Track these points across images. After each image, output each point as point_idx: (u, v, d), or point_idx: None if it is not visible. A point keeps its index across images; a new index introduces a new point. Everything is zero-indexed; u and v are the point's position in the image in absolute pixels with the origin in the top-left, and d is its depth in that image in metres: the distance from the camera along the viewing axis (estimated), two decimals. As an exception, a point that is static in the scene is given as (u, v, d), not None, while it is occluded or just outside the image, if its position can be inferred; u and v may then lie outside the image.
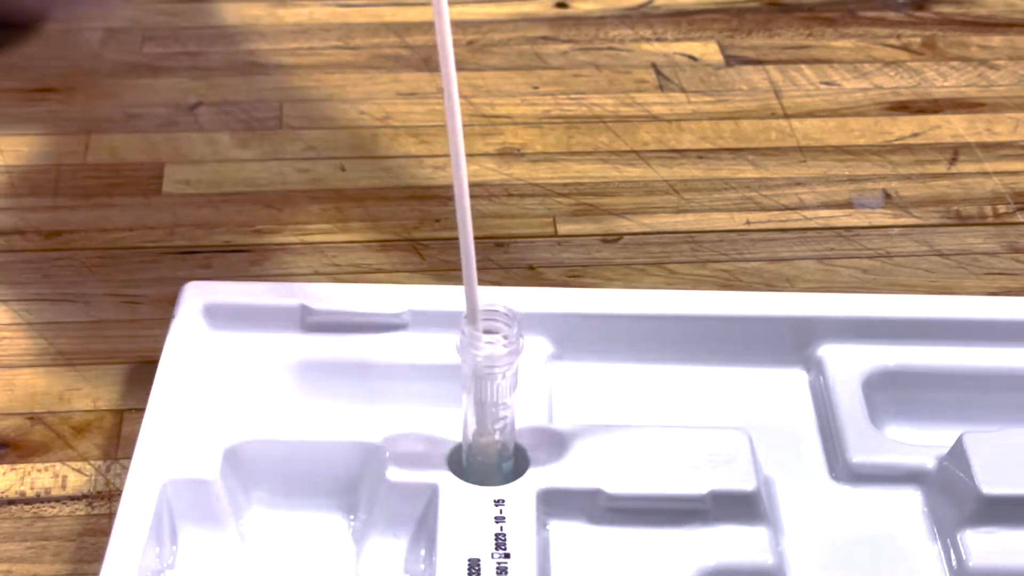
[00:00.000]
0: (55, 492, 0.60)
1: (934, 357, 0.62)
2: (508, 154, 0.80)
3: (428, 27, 0.90)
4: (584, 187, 0.77)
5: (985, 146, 0.81)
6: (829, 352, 0.62)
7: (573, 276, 0.71)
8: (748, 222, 0.75)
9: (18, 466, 0.61)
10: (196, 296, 0.61)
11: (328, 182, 0.77)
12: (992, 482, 0.55)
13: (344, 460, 0.56)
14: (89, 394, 0.64)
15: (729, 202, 0.76)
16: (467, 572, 0.51)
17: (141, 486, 0.54)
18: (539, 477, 0.55)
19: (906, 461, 0.58)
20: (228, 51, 0.88)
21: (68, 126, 0.81)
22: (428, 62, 0.87)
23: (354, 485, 0.56)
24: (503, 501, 0.54)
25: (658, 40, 0.90)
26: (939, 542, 0.56)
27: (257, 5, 0.93)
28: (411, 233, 0.74)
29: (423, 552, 0.54)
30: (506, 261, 0.72)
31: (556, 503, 0.54)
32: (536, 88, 0.85)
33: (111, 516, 0.57)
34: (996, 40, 0.91)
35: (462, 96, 0.83)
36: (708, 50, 0.89)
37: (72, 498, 0.60)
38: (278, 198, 0.76)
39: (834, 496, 0.58)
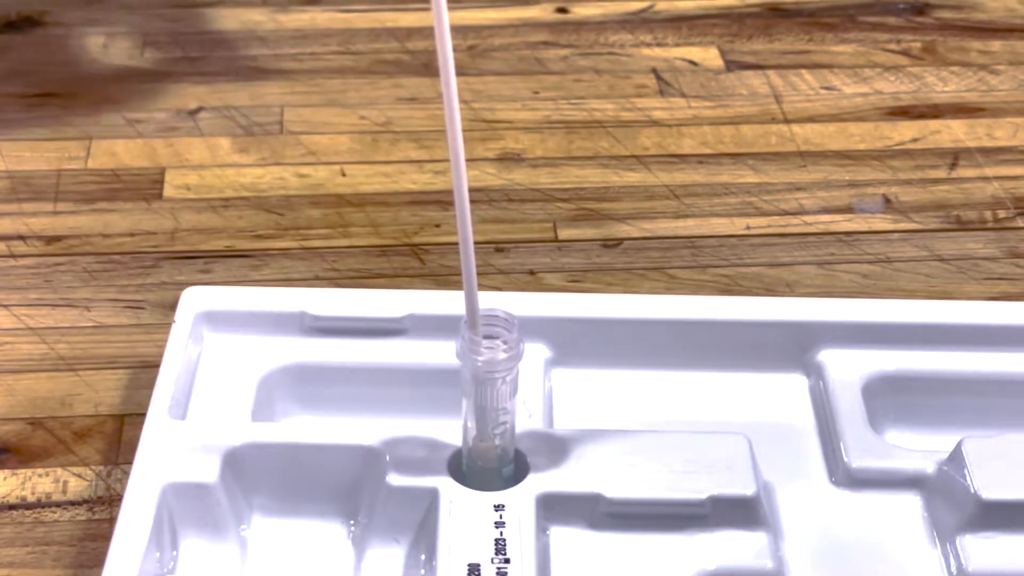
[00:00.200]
0: (56, 497, 0.60)
1: (934, 362, 0.62)
2: (508, 159, 0.80)
3: (428, 32, 0.90)
4: (584, 192, 0.77)
5: (985, 151, 0.81)
6: (829, 357, 0.62)
7: (573, 281, 0.72)
8: (748, 227, 0.75)
9: (19, 471, 0.61)
10: (197, 301, 0.61)
11: (328, 187, 0.77)
12: (991, 487, 0.55)
13: (344, 465, 0.56)
14: (90, 399, 0.64)
15: (729, 207, 0.77)
16: (467, 577, 0.51)
17: (142, 491, 0.54)
18: (539, 482, 0.55)
19: (906, 466, 0.58)
20: (229, 56, 0.88)
21: (69, 131, 0.81)
22: (428, 67, 0.87)
23: (354, 490, 0.56)
24: (503, 506, 0.54)
25: (658, 45, 0.90)
26: (938, 547, 0.56)
27: (258, 10, 0.93)
28: (411, 238, 0.74)
29: (423, 557, 0.54)
30: (506, 266, 0.72)
31: (556, 508, 0.54)
32: (536, 93, 0.85)
33: (112, 521, 0.58)
34: (996, 45, 0.91)
35: (462, 101, 0.84)
36: (708, 55, 0.89)
37: (73, 503, 0.60)
38: (279, 203, 0.76)
39: (834, 501, 0.58)
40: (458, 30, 0.90)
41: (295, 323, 0.61)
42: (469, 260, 0.50)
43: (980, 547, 0.54)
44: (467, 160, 0.52)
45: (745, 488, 0.55)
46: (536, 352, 0.61)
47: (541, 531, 0.54)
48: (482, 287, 0.52)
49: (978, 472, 0.55)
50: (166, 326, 0.62)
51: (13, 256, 0.72)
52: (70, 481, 0.61)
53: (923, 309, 0.63)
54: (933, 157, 0.81)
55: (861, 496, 0.58)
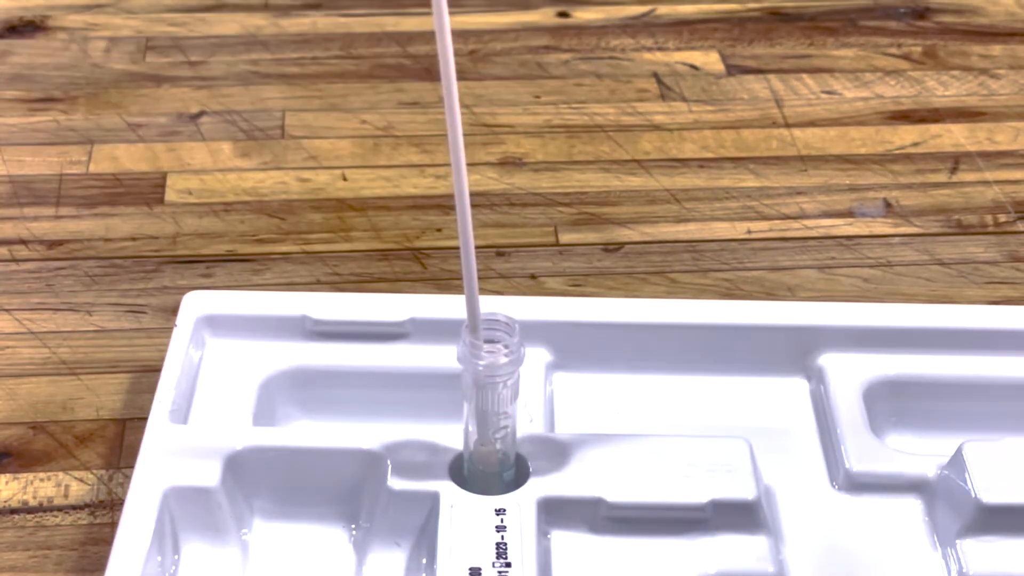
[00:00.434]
0: (57, 501, 0.60)
1: (935, 366, 0.62)
2: (509, 163, 0.80)
3: (430, 36, 0.90)
4: (585, 196, 0.77)
5: (986, 155, 0.81)
6: (830, 361, 0.62)
7: (574, 285, 0.72)
8: (749, 231, 0.75)
9: (21, 475, 0.61)
10: (198, 305, 0.61)
11: (330, 191, 0.78)
12: (992, 491, 0.55)
13: (345, 469, 0.56)
14: (92, 403, 0.64)
15: (730, 211, 0.77)
16: (468, 581, 0.51)
17: (143, 495, 0.54)
18: (540, 486, 0.55)
19: (906, 470, 0.58)
20: (230, 61, 0.88)
21: (71, 136, 0.81)
22: (430, 71, 0.87)
23: (355, 494, 0.56)
24: (504, 510, 0.54)
25: (659, 49, 0.90)
26: (939, 551, 0.56)
27: (259, 15, 0.93)
28: (412, 242, 0.74)
29: (424, 561, 0.54)
30: (507, 270, 0.72)
31: (557, 512, 0.54)
32: (538, 97, 0.85)
33: (113, 525, 0.58)
34: (997, 49, 0.91)
35: (464, 105, 0.84)
36: (709, 59, 0.89)
37: (74, 507, 0.60)
38: (280, 207, 0.76)
39: (835, 505, 0.58)
40: (459, 34, 0.90)
41: (296, 327, 0.62)
42: (470, 264, 0.50)
43: (981, 551, 0.54)
44: (468, 164, 0.52)
45: (746, 492, 0.55)
46: (537, 356, 0.61)
47: (542, 535, 0.54)
48: (483, 291, 0.52)
49: (979, 476, 0.55)
50: (167, 330, 0.62)
51: (15, 260, 0.72)
52: (72, 485, 0.61)
53: (924, 313, 0.63)
54: (934, 161, 0.81)
55: (862, 500, 0.58)
